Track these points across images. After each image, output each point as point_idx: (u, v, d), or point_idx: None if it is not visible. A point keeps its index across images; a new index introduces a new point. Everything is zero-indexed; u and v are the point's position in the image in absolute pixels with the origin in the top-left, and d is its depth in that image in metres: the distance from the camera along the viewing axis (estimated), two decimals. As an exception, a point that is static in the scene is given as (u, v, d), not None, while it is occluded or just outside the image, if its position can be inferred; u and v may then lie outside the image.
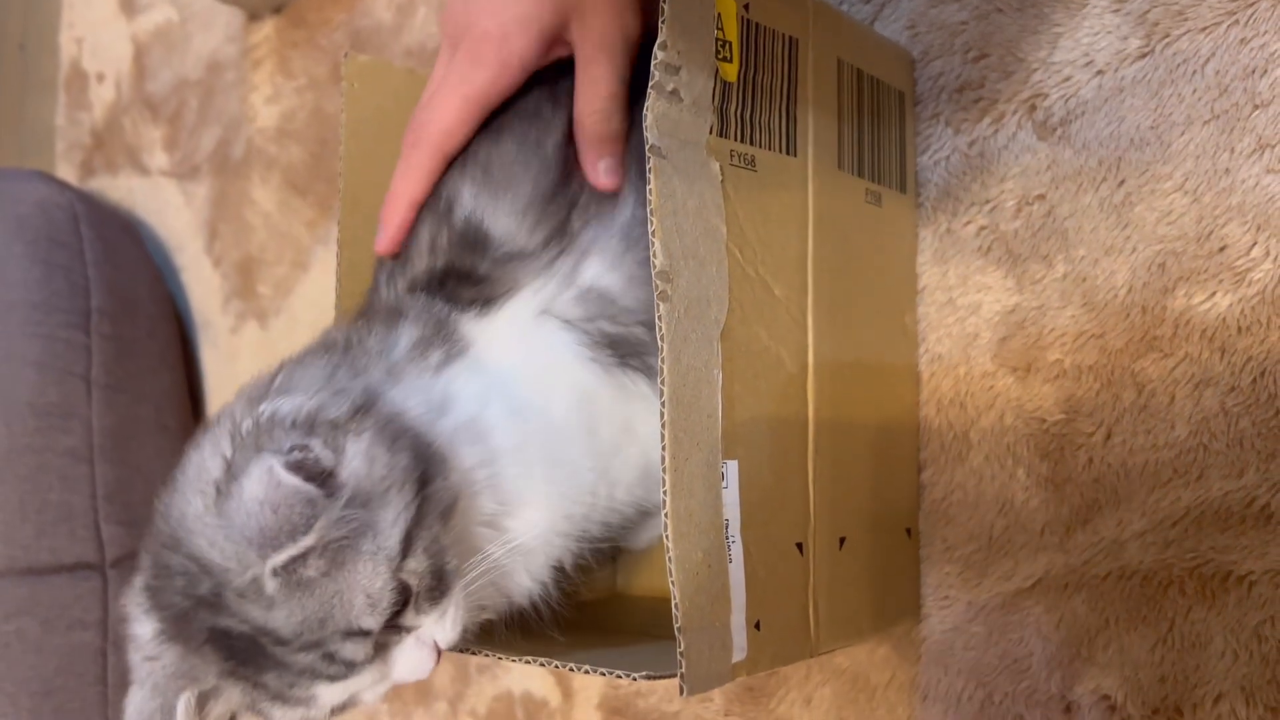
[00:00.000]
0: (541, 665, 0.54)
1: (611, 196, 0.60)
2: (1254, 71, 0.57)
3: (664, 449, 0.48)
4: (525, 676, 0.88)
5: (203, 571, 0.50)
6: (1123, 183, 0.61)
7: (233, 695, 0.53)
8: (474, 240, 0.60)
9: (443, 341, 0.60)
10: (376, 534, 0.50)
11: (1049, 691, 0.62)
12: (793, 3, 0.58)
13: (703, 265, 0.52)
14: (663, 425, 0.48)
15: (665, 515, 0.48)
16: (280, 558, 0.48)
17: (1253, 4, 0.57)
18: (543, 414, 0.59)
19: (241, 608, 0.50)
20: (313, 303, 1.10)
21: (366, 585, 0.50)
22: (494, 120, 0.61)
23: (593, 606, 0.77)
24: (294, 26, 1.15)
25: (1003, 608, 0.64)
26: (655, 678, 0.50)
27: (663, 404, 0.48)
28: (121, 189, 1.37)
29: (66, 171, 1.45)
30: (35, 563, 1.00)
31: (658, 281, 0.49)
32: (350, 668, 0.51)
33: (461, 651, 0.58)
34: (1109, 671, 0.60)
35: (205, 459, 0.52)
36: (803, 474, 0.58)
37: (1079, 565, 0.62)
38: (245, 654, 0.51)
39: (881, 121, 0.66)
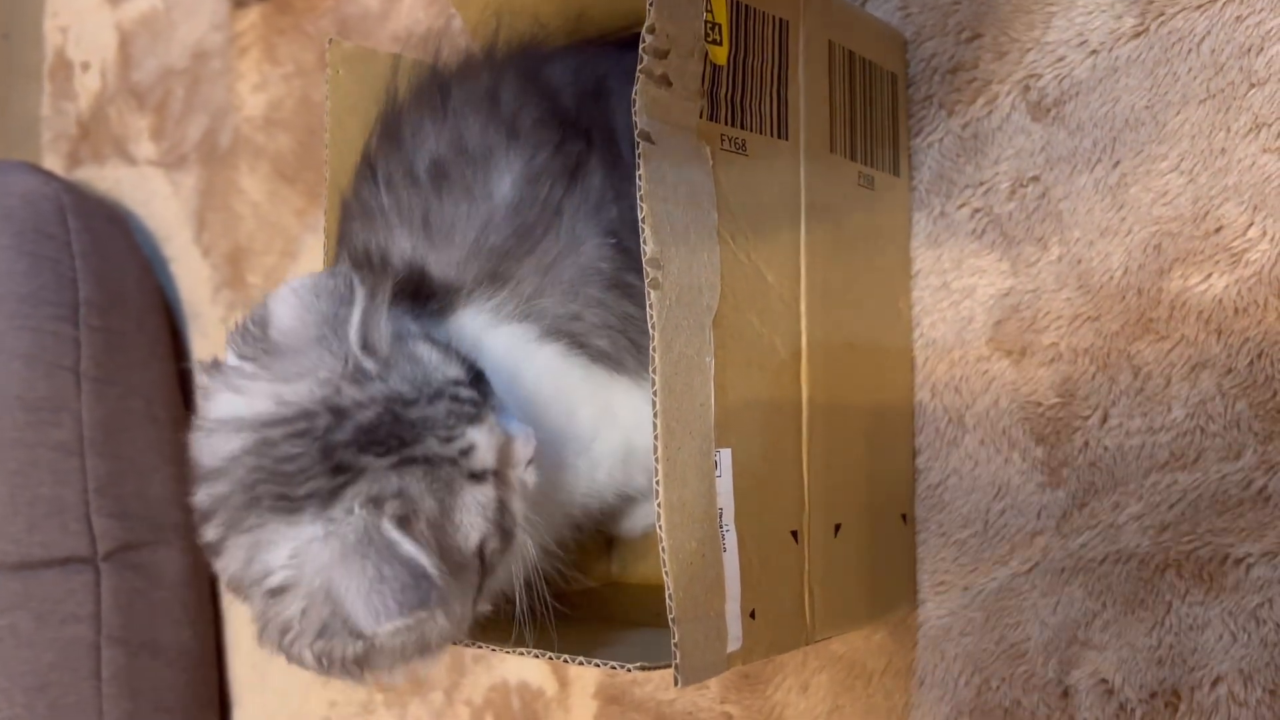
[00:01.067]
0: (536, 657, 0.54)
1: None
2: (1250, 49, 0.57)
3: (656, 438, 0.48)
4: (521, 666, 0.88)
5: (306, 414, 0.51)
6: (1118, 163, 0.61)
7: (416, 500, 0.51)
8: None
9: None
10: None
11: (1046, 676, 0.62)
12: (783, -16, 0.57)
13: (694, 252, 0.51)
14: (655, 414, 0.48)
15: (658, 505, 0.48)
16: (355, 332, 0.52)
17: (1248, -19, 0.57)
18: (507, 386, 0.58)
19: (362, 394, 0.51)
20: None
21: (433, 352, 0.55)
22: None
23: (590, 594, 0.77)
24: (280, 13, 1.14)
25: (999, 592, 0.64)
26: (650, 668, 0.50)
27: (654, 393, 0.48)
28: (109, 179, 1.35)
29: (53, 162, 1.44)
30: (27, 557, 1.00)
31: (648, 269, 0.48)
32: (477, 406, 0.53)
33: (455, 644, 0.58)
34: (1106, 656, 0.60)
35: None
36: (797, 461, 0.57)
37: (1076, 549, 0.61)
38: (392, 434, 0.51)
39: (874, 104, 0.65)
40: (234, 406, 0.52)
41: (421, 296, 0.59)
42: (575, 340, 0.60)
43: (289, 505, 0.50)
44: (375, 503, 0.50)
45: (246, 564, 0.51)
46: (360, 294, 0.53)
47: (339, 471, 0.50)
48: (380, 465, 0.50)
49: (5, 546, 0.99)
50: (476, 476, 0.53)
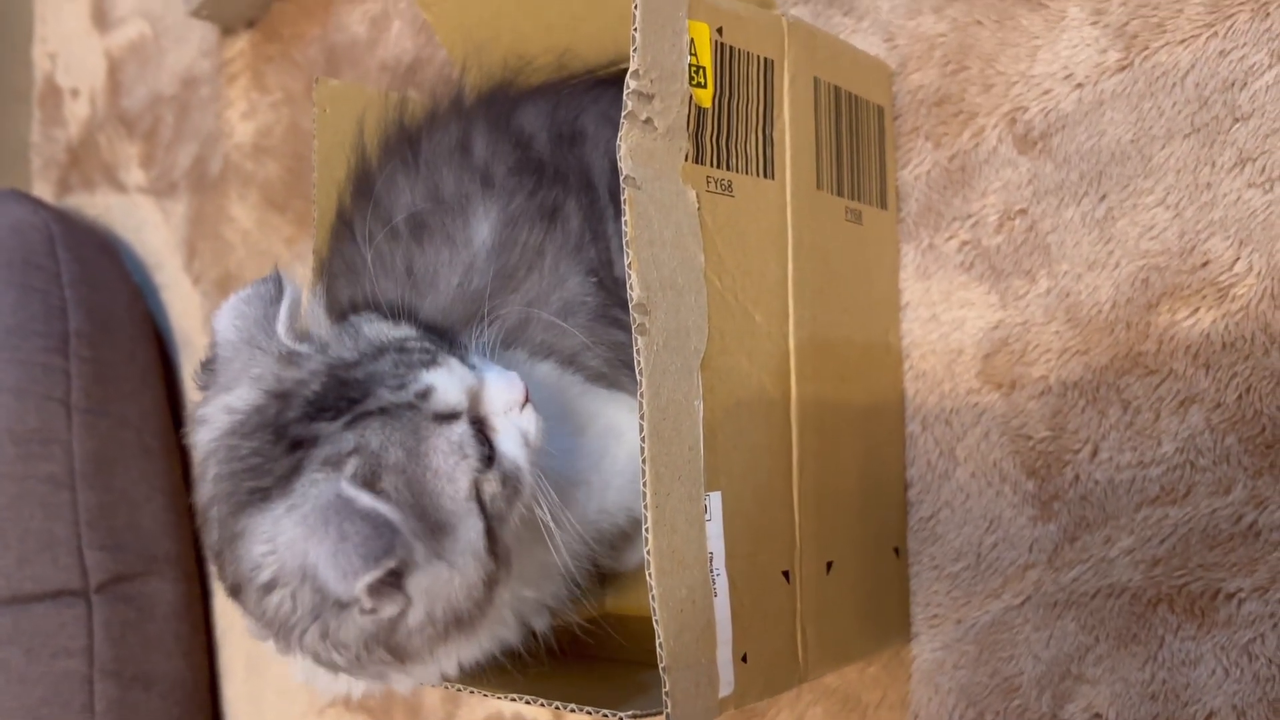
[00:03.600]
0: (528, 703, 0.54)
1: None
2: (1234, 84, 0.57)
3: (645, 485, 0.48)
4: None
5: (257, 407, 0.52)
6: (1104, 197, 0.61)
7: (379, 451, 0.50)
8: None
9: None
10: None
11: (1040, 710, 0.62)
12: (767, 23, 0.57)
13: (681, 295, 0.51)
14: (643, 461, 0.48)
15: (648, 553, 0.48)
16: (282, 324, 0.53)
17: (1231, 16, 0.57)
18: None
19: (302, 373, 0.52)
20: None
21: (378, 325, 0.55)
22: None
23: (584, 629, 0.76)
24: (268, 41, 1.14)
25: (992, 626, 0.64)
26: (642, 715, 0.49)
27: (643, 439, 0.48)
28: (99, 206, 1.35)
29: (43, 189, 1.44)
30: (18, 591, 0.99)
31: (635, 314, 0.48)
32: (430, 352, 0.53)
33: (450, 687, 0.58)
34: (1099, 690, 0.60)
35: None
36: (788, 501, 0.57)
37: (1068, 583, 0.61)
38: (341, 397, 0.51)
39: (860, 138, 0.65)
40: (202, 434, 0.53)
41: None
42: (565, 358, 0.61)
43: (261, 495, 0.50)
44: (333, 464, 0.49)
45: (238, 568, 0.50)
46: (288, 289, 0.54)
47: (296, 447, 0.50)
48: (334, 428, 0.50)
49: (-5, 581, 0.98)
50: (444, 417, 0.52)
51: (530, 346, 0.60)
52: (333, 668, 0.52)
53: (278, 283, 0.55)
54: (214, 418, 0.53)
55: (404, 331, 0.55)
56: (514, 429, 0.54)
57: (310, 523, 0.48)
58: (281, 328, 0.54)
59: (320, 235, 0.67)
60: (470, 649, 0.56)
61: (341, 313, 0.61)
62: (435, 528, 0.50)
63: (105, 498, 1.06)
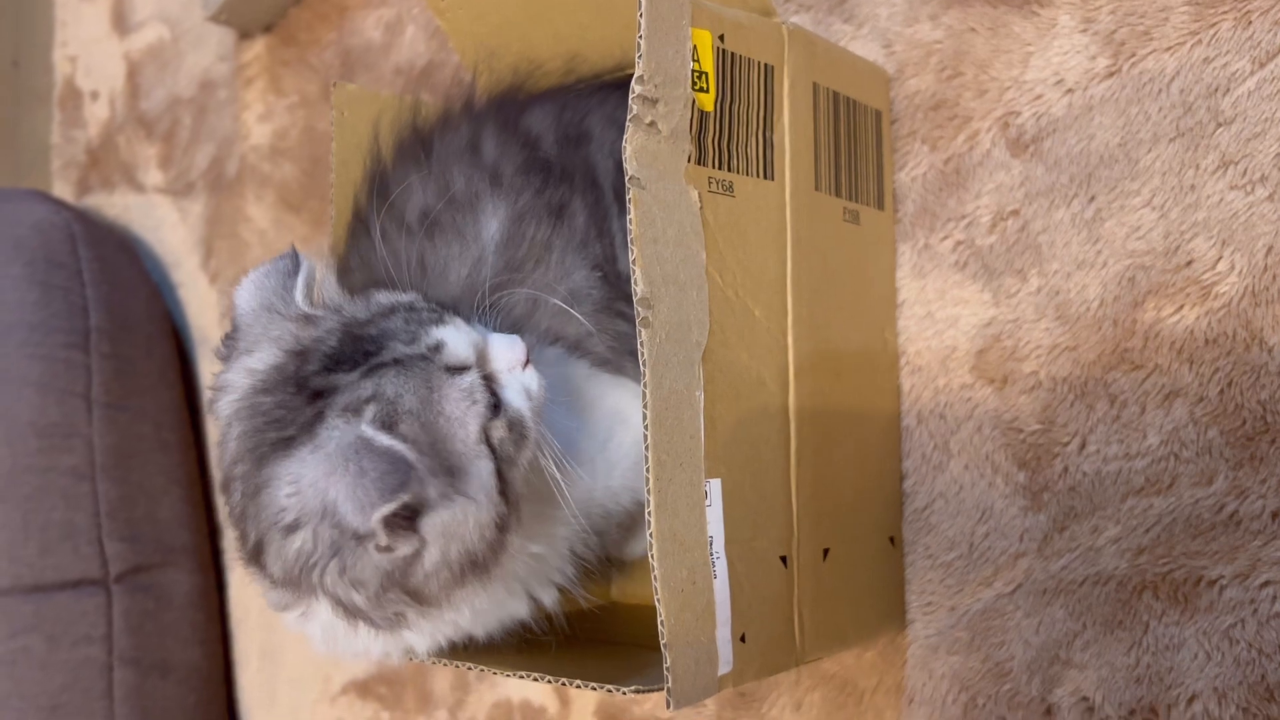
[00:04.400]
0: (535, 680, 0.56)
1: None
2: (1217, 90, 0.59)
3: (648, 471, 0.50)
4: (523, 685, 0.90)
5: (276, 366, 0.55)
6: (1093, 198, 0.63)
7: (396, 397, 0.53)
8: None
9: None
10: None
11: (1030, 694, 0.64)
12: (768, 30, 0.60)
13: (683, 291, 0.53)
14: (646, 448, 0.50)
15: (650, 535, 0.50)
16: (299, 291, 0.57)
17: (1215, 25, 0.59)
18: None
19: (318, 330, 0.55)
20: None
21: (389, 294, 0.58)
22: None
23: (589, 615, 0.79)
24: (285, 45, 1.16)
25: (985, 613, 0.66)
26: (645, 690, 0.52)
27: (646, 427, 0.50)
28: (118, 206, 1.38)
29: (63, 189, 1.47)
30: (40, 580, 1.02)
31: (639, 308, 0.51)
32: (437, 312, 0.56)
33: (459, 666, 0.60)
34: (1087, 674, 0.62)
35: None
36: (785, 489, 0.59)
37: (1057, 571, 0.63)
38: (357, 350, 0.54)
39: (858, 141, 0.67)
40: (225, 399, 0.57)
41: None
42: (572, 344, 0.63)
43: (285, 443, 0.53)
44: (353, 410, 0.52)
45: (261, 518, 0.53)
46: (305, 262, 0.58)
47: (317, 397, 0.53)
48: (351, 378, 0.53)
49: (19, 570, 1.01)
50: (454, 369, 0.55)
51: (537, 332, 0.62)
52: (352, 611, 0.54)
53: (294, 257, 0.58)
54: (235, 381, 0.56)
55: (410, 297, 0.58)
56: (517, 383, 0.57)
57: (332, 461, 0.51)
58: (299, 294, 0.57)
59: (337, 233, 0.69)
60: (484, 598, 0.58)
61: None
62: (449, 468, 0.53)
63: (124, 490, 1.09)
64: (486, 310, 0.61)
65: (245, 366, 0.56)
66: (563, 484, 0.58)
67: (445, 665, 0.61)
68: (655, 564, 0.50)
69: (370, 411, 0.52)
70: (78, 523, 1.05)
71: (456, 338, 0.55)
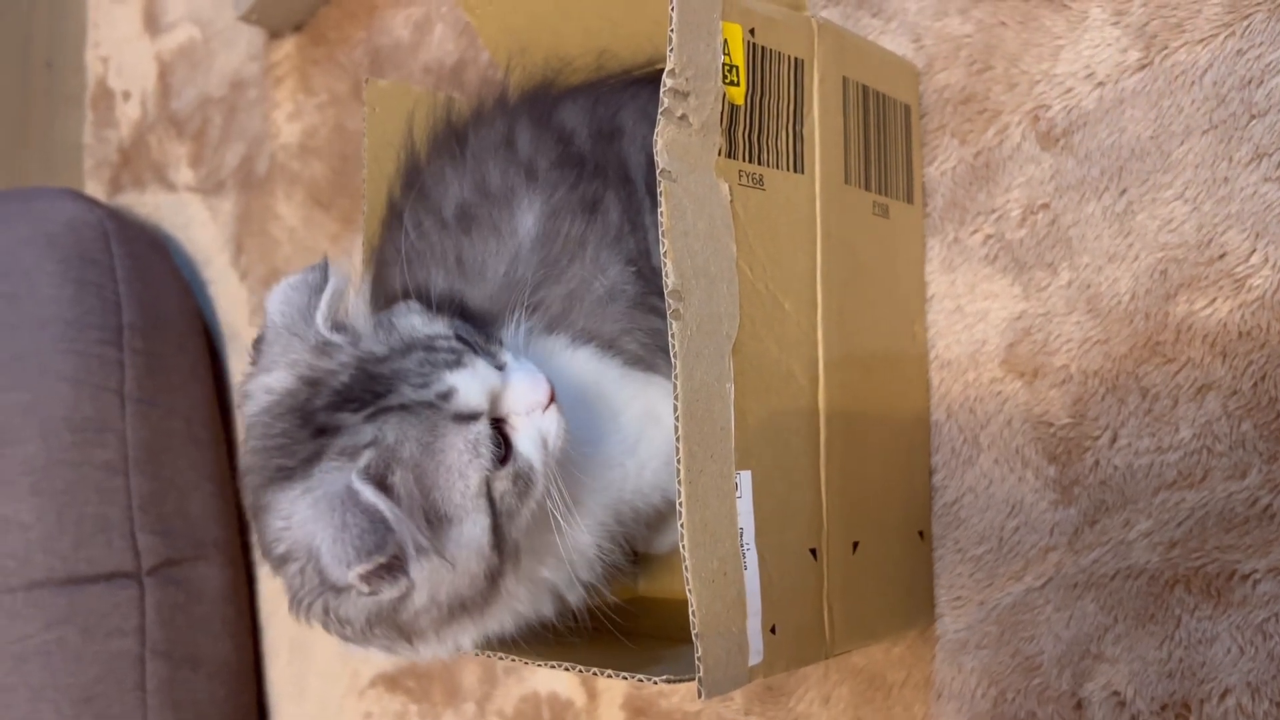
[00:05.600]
0: (566, 670, 0.57)
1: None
2: (1250, 82, 0.59)
3: (679, 463, 0.50)
4: (551, 678, 0.91)
5: (290, 391, 0.55)
6: (1124, 191, 0.63)
7: (395, 446, 0.52)
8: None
9: None
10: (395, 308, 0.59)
11: (1060, 688, 0.64)
12: (798, 24, 0.60)
13: (714, 283, 0.53)
14: (677, 439, 0.50)
15: (681, 526, 0.50)
16: (321, 313, 0.56)
17: (1248, 16, 0.59)
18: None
19: (333, 362, 0.55)
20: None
21: (416, 319, 0.58)
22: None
23: (616, 609, 0.79)
24: (314, 44, 1.18)
25: (1014, 607, 0.66)
26: (675, 680, 0.52)
27: (677, 419, 0.50)
28: (149, 204, 1.40)
29: (95, 188, 1.49)
30: (74, 573, 1.03)
31: (670, 300, 0.51)
32: (457, 353, 0.55)
33: (488, 655, 0.61)
34: (1118, 668, 0.62)
35: None
36: (815, 482, 0.59)
37: (1088, 565, 0.63)
38: (367, 390, 0.54)
39: (887, 135, 0.67)
40: (248, 407, 0.57)
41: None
42: (605, 343, 0.63)
43: (285, 474, 0.54)
44: (350, 454, 0.52)
45: (263, 537, 0.55)
46: (332, 280, 0.57)
47: (320, 434, 0.53)
48: (355, 420, 0.53)
49: (53, 563, 1.03)
50: (464, 418, 0.54)
51: (572, 332, 0.62)
52: (342, 638, 0.55)
53: (324, 271, 0.58)
54: (256, 394, 0.57)
55: (436, 328, 0.57)
56: (534, 430, 0.56)
57: (319, 508, 0.51)
58: (320, 317, 0.57)
59: (369, 228, 0.70)
60: (478, 630, 0.58)
61: (391, 298, 0.64)
62: (441, 519, 0.53)
63: (156, 484, 1.10)
64: (524, 310, 0.61)
65: (264, 384, 0.57)
66: (567, 536, 0.58)
67: (475, 655, 0.61)
68: (687, 555, 0.50)
69: (366, 458, 0.52)
70: (111, 516, 1.07)
71: (469, 384, 0.54)
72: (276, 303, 0.58)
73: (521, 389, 0.56)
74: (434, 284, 0.63)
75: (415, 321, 0.58)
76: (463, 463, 0.53)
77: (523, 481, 0.56)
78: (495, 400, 0.55)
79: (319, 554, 0.51)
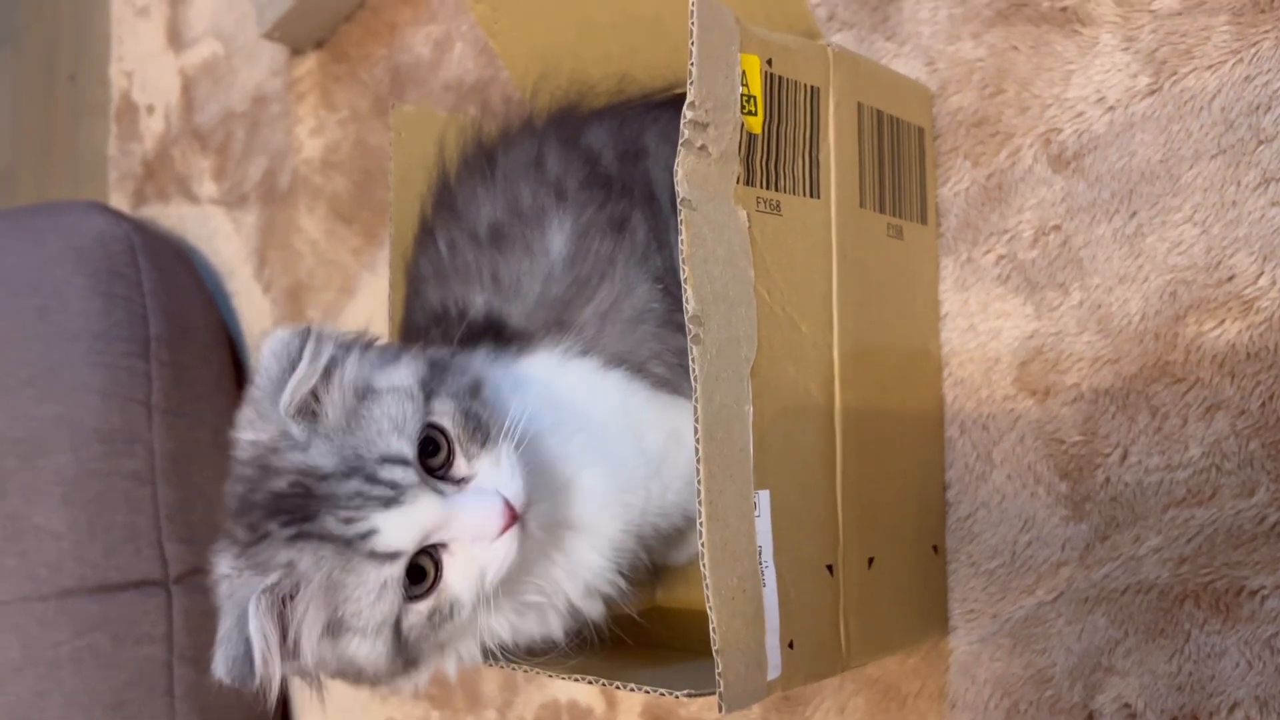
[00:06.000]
0: (590, 683, 0.58)
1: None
2: (1258, 108, 0.60)
3: (699, 483, 0.52)
4: (571, 686, 0.92)
5: (250, 462, 0.56)
6: (1134, 214, 0.64)
7: (306, 573, 0.53)
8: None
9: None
10: (391, 377, 0.57)
11: (1072, 700, 0.65)
12: (814, 53, 0.61)
13: (733, 308, 0.55)
14: (698, 461, 0.52)
15: (702, 545, 0.52)
16: (285, 396, 0.55)
17: (1256, 43, 0.60)
18: (579, 409, 0.63)
19: (283, 460, 0.55)
20: (360, 326, 1.14)
21: (392, 414, 0.55)
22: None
23: (635, 621, 0.81)
24: (336, 61, 1.20)
25: (1026, 620, 0.67)
26: (696, 695, 0.54)
27: (697, 441, 0.52)
28: (173, 217, 1.42)
29: (119, 200, 1.51)
30: (104, 580, 1.06)
31: (690, 325, 0.53)
32: (396, 489, 0.53)
33: (508, 667, 0.62)
34: (1129, 681, 0.63)
35: None
36: (831, 500, 0.61)
37: (1099, 580, 0.65)
38: (299, 507, 0.54)
39: (901, 158, 0.69)
40: (236, 439, 0.59)
41: (503, 340, 0.64)
42: (635, 367, 0.65)
43: (227, 534, 0.57)
44: (263, 569, 0.54)
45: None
46: (305, 358, 0.55)
47: (252, 529, 0.55)
48: (280, 535, 0.54)
49: (84, 571, 1.05)
50: (379, 557, 0.54)
51: (605, 355, 0.64)
52: None
53: (300, 345, 0.56)
54: (238, 444, 0.58)
55: (395, 447, 0.55)
56: (473, 562, 0.55)
57: (225, 603, 0.55)
58: (284, 401, 0.55)
59: (396, 252, 0.72)
60: (437, 664, 0.60)
61: (428, 313, 0.66)
62: (342, 630, 0.54)
63: (183, 494, 1.12)
64: (559, 331, 0.63)
65: (240, 440, 0.57)
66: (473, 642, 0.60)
67: (495, 666, 0.63)
68: (707, 573, 0.52)
69: (275, 577, 0.53)
70: (139, 525, 1.09)
71: (397, 525, 0.53)
72: (267, 357, 0.57)
73: (470, 519, 0.55)
74: (473, 301, 0.65)
75: (384, 426, 0.55)
76: (367, 601, 0.54)
77: (439, 615, 0.56)
78: (437, 528, 0.55)
79: (217, 638, 0.54)
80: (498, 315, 0.65)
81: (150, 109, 1.48)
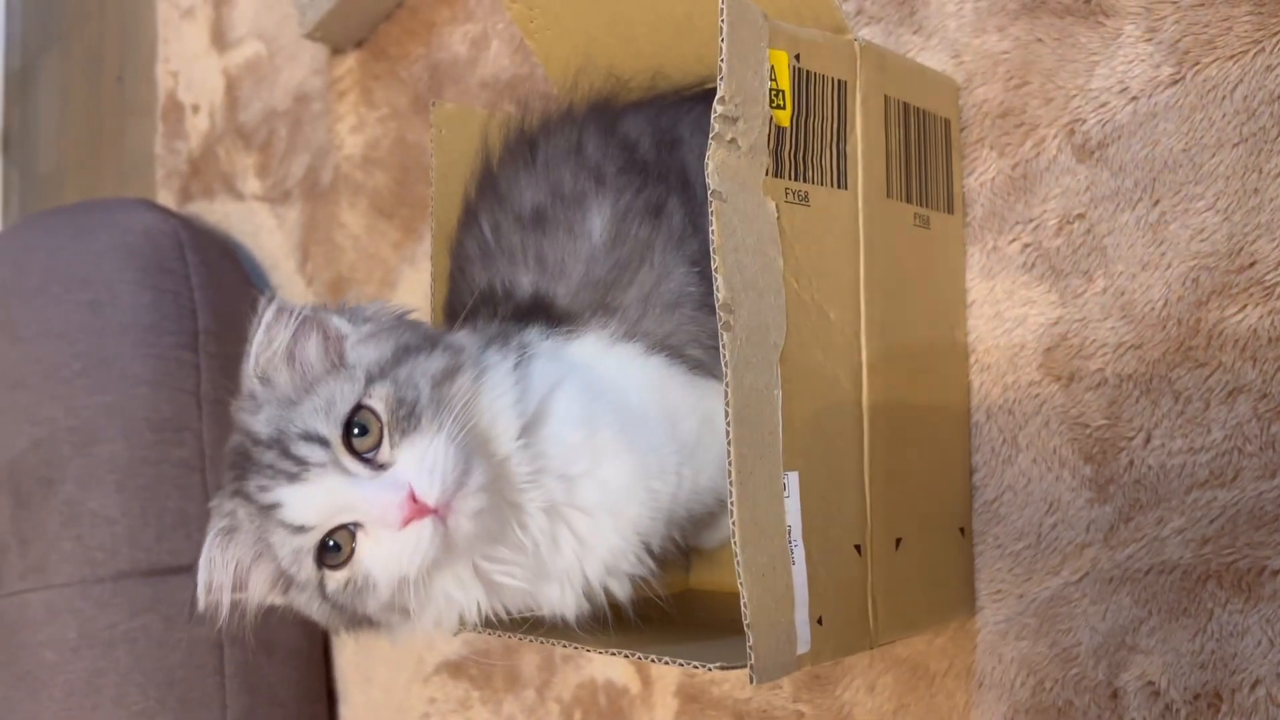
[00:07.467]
0: (626, 657, 0.61)
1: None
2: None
3: (730, 464, 0.54)
4: (607, 666, 0.95)
5: (239, 430, 0.62)
6: (1157, 202, 0.65)
7: (242, 524, 0.60)
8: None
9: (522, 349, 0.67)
10: (344, 356, 0.60)
11: (1096, 678, 0.67)
12: (841, 48, 0.63)
13: (762, 296, 0.57)
14: (728, 442, 0.54)
15: (733, 523, 0.54)
16: (248, 363, 0.61)
17: (1278, 33, 0.61)
18: (617, 398, 0.66)
19: (240, 420, 0.61)
20: (400, 319, 1.17)
21: (333, 392, 0.58)
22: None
23: (668, 601, 0.83)
24: (375, 60, 1.23)
25: (1052, 600, 0.69)
26: (728, 668, 0.56)
27: (728, 423, 0.54)
28: (218, 213, 1.46)
29: (166, 197, 1.55)
30: (157, 564, 1.10)
31: (721, 313, 0.55)
32: (302, 465, 0.56)
33: (545, 642, 0.65)
34: (1152, 660, 0.65)
35: None
36: (859, 482, 0.63)
37: (1123, 560, 0.66)
38: (239, 465, 0.60)
39: (928, 149, 0.70)
40: None
41: (553, 320, 0.67)
42: (674, 352, 0.67)
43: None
44: (218, 513, 0.61)
45: None
46: (261, 328, 0.61)
47: (222, 478, 0.62)
48: (229, 487, 0.60)
49: (137, 554, 1.09)
50: (290, 527, 0.57)
51: (648, 341, 0.67)
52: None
53: (264, 307, 0.61)
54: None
55: (316, 426, 0.57)
56: (381, 546, 0.56)
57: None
58: (248, 366, 0.62)
59: (438, 245, 0.74)
60: (398, 631, 0.63)
61: (474, 292, 0.68)
62: (288, 587, 0.61)
63: (231, 481, 1.16)
64: (605, 311, 0.66)
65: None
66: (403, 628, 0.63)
67: (533, 642, 0.65)
68: (738, 550, 0.54)
69: (222, 524, 0.60)
70: (189, 511, 1.13)
71: (299, 502, 0.56)
72: (257, 323, 0.63)
73: (371, 507, 0.56)
74: (519, 282, 0.68)
75: (319, 404, 0.58)
76: (288, 561, 0.58)
77: (355, 588, 0.57)
78: (343, 510, 0.56)
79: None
80: (545, 295, 0.67)
81: (195, 108, 1.52)
